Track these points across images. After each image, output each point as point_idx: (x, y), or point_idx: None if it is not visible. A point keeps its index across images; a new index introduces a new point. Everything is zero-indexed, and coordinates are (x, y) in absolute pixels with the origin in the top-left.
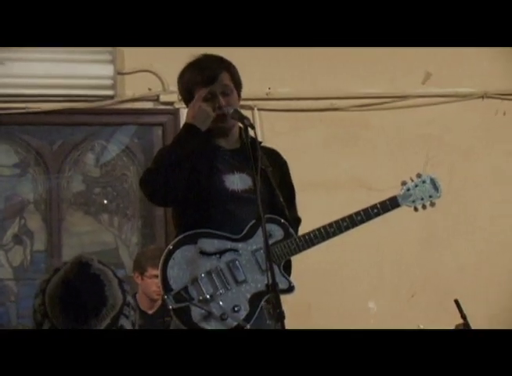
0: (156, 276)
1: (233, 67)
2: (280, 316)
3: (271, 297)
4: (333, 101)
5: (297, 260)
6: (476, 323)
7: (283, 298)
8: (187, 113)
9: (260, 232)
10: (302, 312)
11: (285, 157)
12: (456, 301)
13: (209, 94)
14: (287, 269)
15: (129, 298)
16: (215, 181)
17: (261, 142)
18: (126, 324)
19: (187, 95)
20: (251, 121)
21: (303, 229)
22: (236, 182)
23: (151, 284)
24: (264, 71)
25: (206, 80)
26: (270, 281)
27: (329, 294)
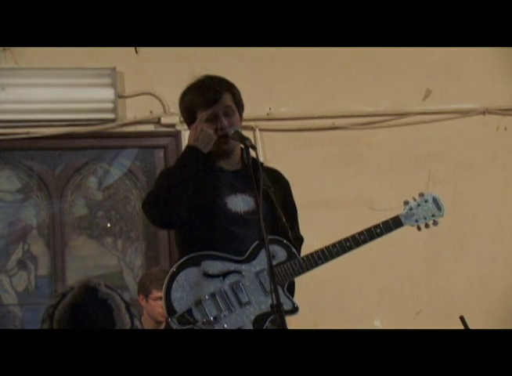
0: (161, 298)
1: (235, 88)
2: None
3: (276, 318)
4: (334, 120)
5: (301, 279)
6: None
7: (288, 318)
8: (189, 135)
9: (263, 253)
10: None
11: (287, 176)
12: (462, 318)
13: (211, 115)
14: (291, 290)
15: (137, 322)
16: (218, 203)
17: (262, 163)
18: None
19: (189, 117)
20: (252, 142)
21: (306, 249)
22: (239, 203)
23: (156, 306)
24: (264, 91)
25: (208, 101)
26: (275, 302)
27: (334, 312)
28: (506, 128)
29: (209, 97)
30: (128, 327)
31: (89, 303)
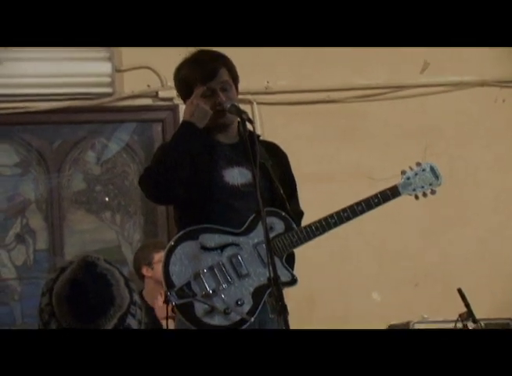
0: None
1: (230, 62)
2: (282, 309)
3: (273, 290)
4: (331, 93)
5: (299, 252)
6: (479, 312)
7: (287, 291)
8: (184, 111)
9: (261, 225)
10: (306, 304)
11: (285, 149)
12: (460, 290)
13: (208, 91)
14: (291, 261)
15: (136, 297)
16: (215, 176)
17: (259, 136)
18: (133, 323)
19: (185, 92)
20: (249, 116)
21: (304, 222)
22: (236, 176)
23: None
24: (262, 65)
25: (205, 77)
26: (272, 274)
27: (332, 285)
28: (504, 100)
29: (205, 73)
30: (127, 301)
31: (88, 278)
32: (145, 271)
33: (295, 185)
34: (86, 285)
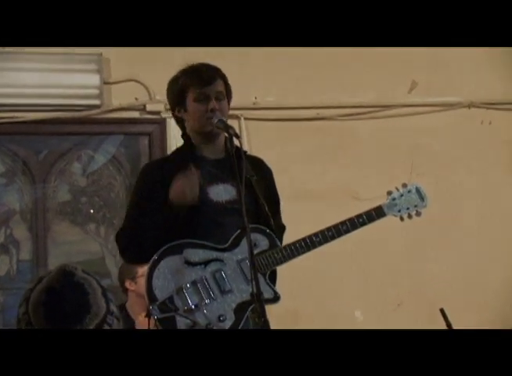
0: None
1: (227, 78)
2: (265, 325)
3: (256, 306)
4: (319, 110)
5: (283, 269)
6: None
7: (270, 307)
8: (175, 189)
9: (245, 241)
10: (289, 320)
11: (271, 166)
12: (442, 311)
13: (202, 95)
14: (272, 278)
15: (113, 307)
16: (199, 193)
17: (245, 152)
18: None
19: (178, 98)
20: (236, 131)
21: (290, 240)
22: (221, 193)
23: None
24: (250, 81)
25: (201, 82)
26: (255, 290)
27: (315, 302)
28: (490, 122)
29: (202, 78)
30: (104, 311)
31: (65, 287)
32: (128, 284)
33: (278, 200)
34: (62, 293)
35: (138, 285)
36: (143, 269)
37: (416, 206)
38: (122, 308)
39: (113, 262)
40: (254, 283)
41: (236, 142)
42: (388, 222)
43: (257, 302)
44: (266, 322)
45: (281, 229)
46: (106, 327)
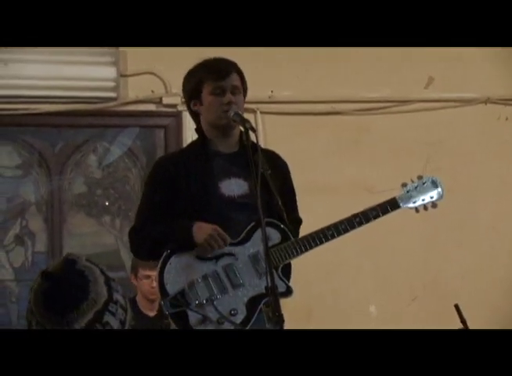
0: (147, 277)
1: (242, 73)
2: (280, 320)
3: (270, 300)
4: (335, 105)
5: (296, 263)
6: (476, 328)
7: (284, 301)
8: (198, 232)
9: (257, 235)
10: (302, 316)
11: (287, 160)
12: (456, 306)
13: (218, 89)
14: (287, 272)
15: (117, 297)
16: (211, 187)
17: (260, 146)
18: (112, 322)
19: (194, 91)
20: (252, 124)
21: (304, 234)
22: (233, 187)
23: (144, 284)
24: (266, 74)
25: (217, 75)
26: (269, 284)
27: (329, 298)
28: (507, 118)
29: (218, 72)
30: (104, 298)
31: (65, 274)
32: (133, 279)
33: (294, 194)
34: (62, 280)
35: (139, 283)
36: (145, 271)
37: (431, 197)
38: (133, 300)
39: (128, 255)
40: (268, 276)
41: (251, 136)
42: (403, 216)
43: (272, 296)
44: (281, 316)
45: (297, 222)
46: (108, 315)
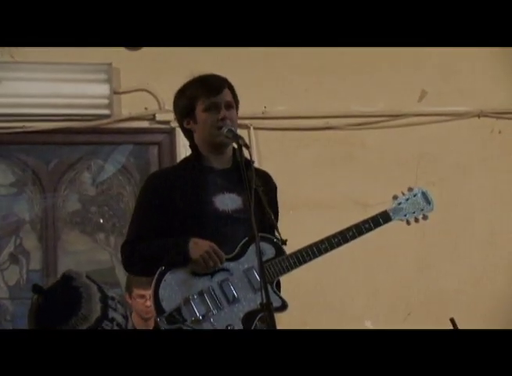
0: (142, 296)
1: (234, 89)
2: None
3: (265, 315)
4: (329, 120)
5: (290, 277)
6: None
7: (278, 317)
8: (194, 249)
9: (251, 250)
10: None
11: (280, 175)
12: (452, 320)
13: (212, 105)
14: (279, 287)
15: (114, 315)
16: (205, 202)
17: (253, 162)
18: None
19: (187, 109)
20: (246, 141)
21: (297, 248)
22: (227, 202)
23: (138, 304)
24: (260, 90)
25: (210, 91)
26: (264, 299)
27: (325, 312)
28: (500, 132)
29: (211, 88)
30: (96, 315)
31: (61, 289)
32: (127, 298)
33: (277, 217)
34: (57, 295)
35: (133, 302)
36: (138, 291)
37: (422, 209)
38: (129, 317)
39: (123, 272)
40: (263, 291)
41: (245, 152)
42: (398, 230)
43: (267, 311)
44: None
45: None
46: None
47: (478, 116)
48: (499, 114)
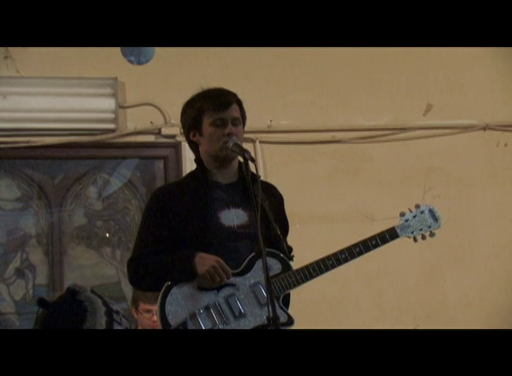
0: (148, 311)
1: (241, 103)
2: None
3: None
4: (335, 133)
5: (296, 292)
6: None
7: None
8: (200, 264)
9: (257, 266)
10: None
11: (286, 188)
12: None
13: (219, 120)
14: (286, 302)
15: (118, 328)
16: (211, 218)
17: (259, 177)
18: None
19: (194, 122)
20: (252, 155)
21: (305, 262)
22: (232, 217)
23: (144, 318)
24: (265, 104)
25: (218, 107)
26: (271, 315)
27: (330, 326)
28: (506, 144)
29: (219, 103)
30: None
31: (66, 303)
32: (133, 312)
33: (288, 227)
34: (62, 308)
35: (139, 317)
36: (145, 305)
37: (429, 227)
38: None
39: (129, 286)
40: (270, 307)
41: (251, 165)
42: (404, 245)
43: (274, 326)
44: None
45: (290, 250)
46: None
47: (484, 129)
48: (504, 127)
